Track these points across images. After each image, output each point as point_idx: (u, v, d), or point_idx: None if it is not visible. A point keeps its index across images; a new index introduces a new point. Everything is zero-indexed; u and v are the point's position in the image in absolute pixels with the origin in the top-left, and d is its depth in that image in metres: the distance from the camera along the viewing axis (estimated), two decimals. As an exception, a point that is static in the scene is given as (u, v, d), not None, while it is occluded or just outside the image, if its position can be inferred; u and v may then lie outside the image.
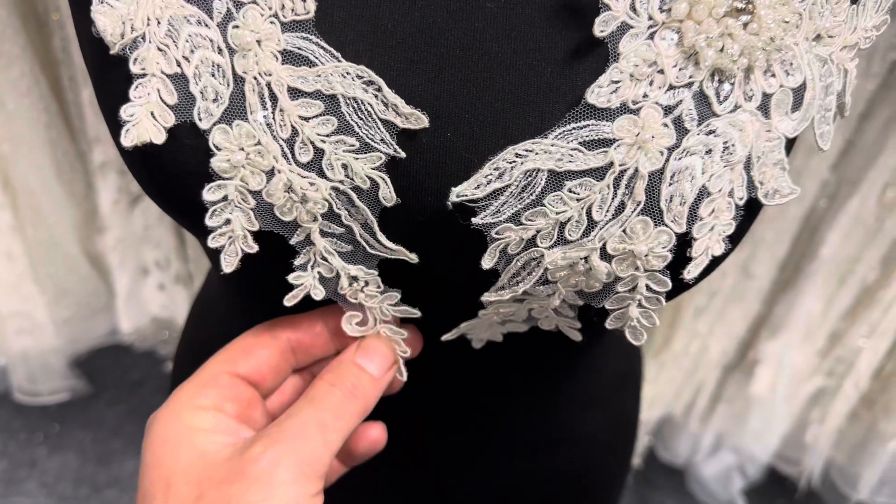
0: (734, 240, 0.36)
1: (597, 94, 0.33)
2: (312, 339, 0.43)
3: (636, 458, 1.77)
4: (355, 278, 0.39)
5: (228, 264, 0.37)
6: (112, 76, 0.35)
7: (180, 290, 1.71)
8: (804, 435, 1.67)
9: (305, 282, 0.38)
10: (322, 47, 0.34)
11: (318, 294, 0.39)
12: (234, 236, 0.36)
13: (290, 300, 0.39)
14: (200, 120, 0.34)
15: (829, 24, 0.36)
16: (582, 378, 0.56)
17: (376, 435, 0.47)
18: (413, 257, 0.37)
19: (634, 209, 0.34)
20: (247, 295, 0.51)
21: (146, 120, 0.33)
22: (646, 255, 0.34)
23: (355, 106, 0.34)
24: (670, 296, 0.37)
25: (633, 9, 0.33)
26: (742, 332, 1.58)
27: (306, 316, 0.43)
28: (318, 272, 0.38)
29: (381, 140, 0.34)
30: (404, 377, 0.45)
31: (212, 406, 0.38)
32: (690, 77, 0.33)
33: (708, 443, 1.76)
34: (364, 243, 0.37)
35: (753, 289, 1.49)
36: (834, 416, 1.60)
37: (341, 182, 0.35)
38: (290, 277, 0.38)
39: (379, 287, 0.39)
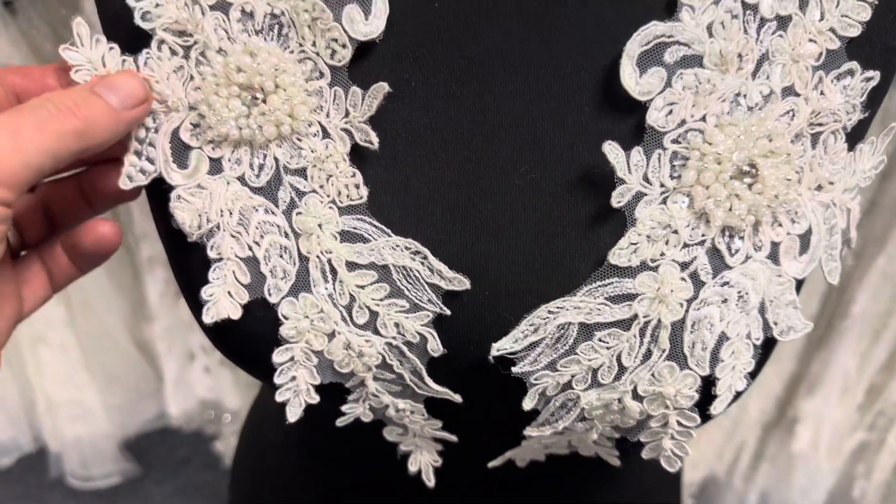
0: (754, 374, 0.39)
1: (618, 255, 0.37)
2: (41, 88, 0.38)
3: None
4: (403, 409, 0.42)
5: (293, 414, 0.41)
6: (191, 260, 0.40)
7: (226, 373, 1.75)
8: (852, 490, 1.65)
9: (357, 411, 0.42)
10: (374, 225, 0.38)
11: (368, 417, 0.43)
12: (299, 390, 0.40)
13: (341, 422, 0.43)
14: (270, 295, 0.38)
15: (828, 173, 0.39)
16: (623, 484, 0.59)
17: (105, 231, 0.40)
18: (457, 398, 0.41)
19: (661, 356, 0.37)
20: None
21: (224, 299, 0.38)
22: (674, 396, 0.38)
23: (405, 273, 0.38)
24: (699, 426, 0.40)
25: (646, 179, 0.37)
26: (779, 391, 1.58)
27: (38, 69, 0.39)
28: (369, 404, 0.42)
29: (429, 300, 0.38)
30: (432, 482, 0.48)
31: None
32: (703, 235, 0.37)
33: (753, 502, 1.74)
34: (413, 385, 0.41)
35: (787, 348, 1.50)
36: (880, 470, 1.58)
37: (394, 338, 0.39)
38: (344, 408, 0.42)
39: (423, 416, 0.43)
